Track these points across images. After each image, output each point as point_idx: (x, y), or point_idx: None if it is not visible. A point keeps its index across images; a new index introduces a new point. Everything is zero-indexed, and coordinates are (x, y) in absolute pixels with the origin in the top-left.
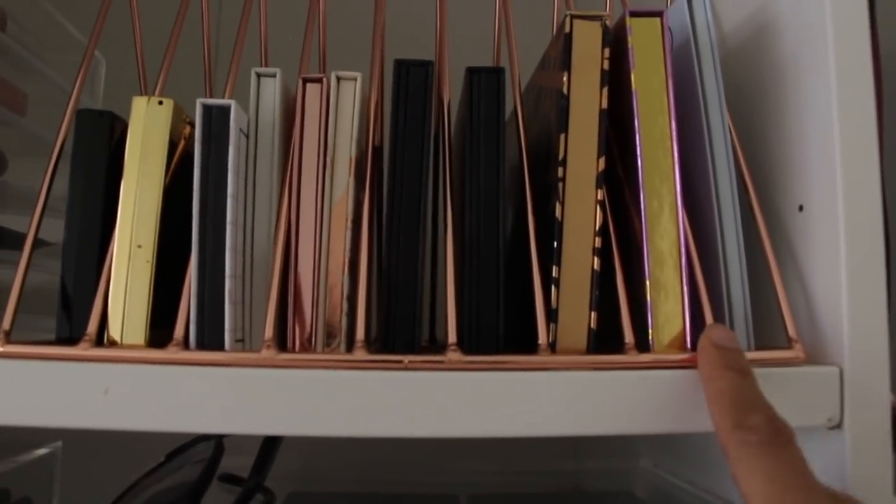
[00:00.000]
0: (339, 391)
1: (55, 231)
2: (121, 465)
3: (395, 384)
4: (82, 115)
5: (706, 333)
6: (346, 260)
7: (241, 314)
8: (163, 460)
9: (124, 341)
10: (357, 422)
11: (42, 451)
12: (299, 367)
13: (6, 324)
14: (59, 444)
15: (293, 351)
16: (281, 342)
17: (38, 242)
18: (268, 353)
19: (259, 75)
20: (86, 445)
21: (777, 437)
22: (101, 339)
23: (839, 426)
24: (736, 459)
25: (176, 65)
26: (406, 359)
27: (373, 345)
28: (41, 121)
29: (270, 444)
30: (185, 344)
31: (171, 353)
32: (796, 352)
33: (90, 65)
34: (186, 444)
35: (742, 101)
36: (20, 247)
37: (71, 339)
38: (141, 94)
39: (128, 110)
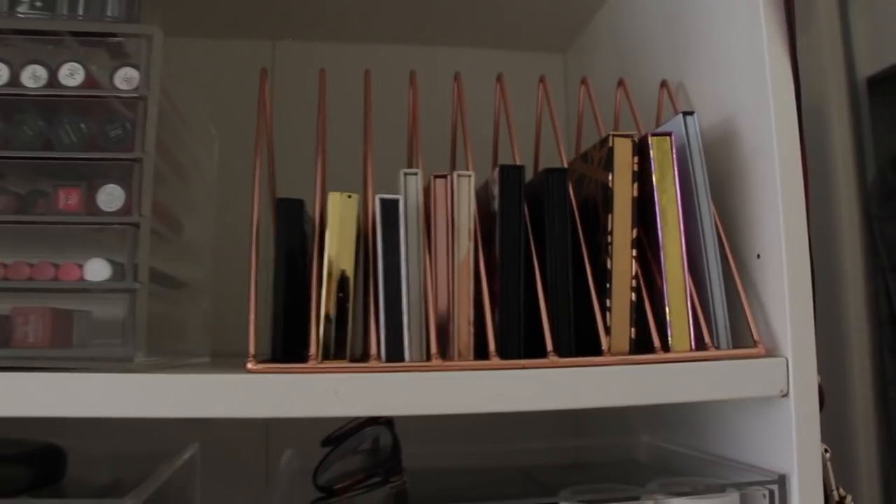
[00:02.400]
0: (482, 384)
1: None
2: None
3: (518, 378)
4: (282, 203)
5: None
6: (471, 298)
7: (408, 336)
8: (331, 445)
9: (333, 359)
10: (492, 401)
11: (188, 454)
12: (456, 370)
13: (252, 349)
14: (197, 445)
15: (443, 359)
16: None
17: (181, 284)
18: (436, 362)
19: (405, 174)
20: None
21: None
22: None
23: (787, 395)
24: None
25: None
26: (524, 362)
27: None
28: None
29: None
30: (378, 357)
31: (373, 364)
32: (759, 349)
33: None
34: (360, 424)
35: (717, 180)
36: (168, 286)
37: (285, 358)
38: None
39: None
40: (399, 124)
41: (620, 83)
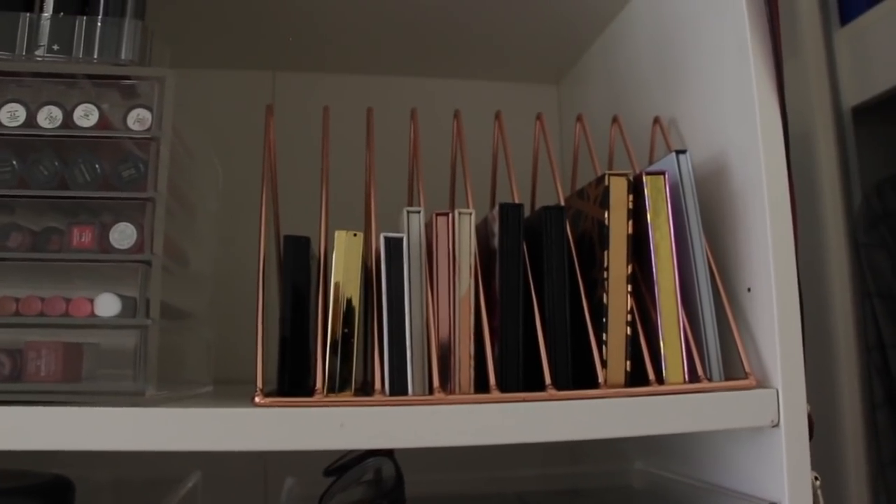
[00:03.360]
0: (483, 417)
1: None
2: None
3: (517, 412)
4: (289, 241)
5: None
6: (472, 333)
7: (412, 370)
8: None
9: (326, 391)
10: (495, 434)
11: (191, 482)
12: (458, 403)
13: (259, 382)
14: (200, 474)
15: (446, 392)
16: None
17: (185, 314)
18: (439, 395)
19: (409, 212)
20: (219, 474)
21: None
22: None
23: (777, 425)
24: None
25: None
26: (524, 395)
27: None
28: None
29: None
30: (383, 390)
31: (379, 398)
32: (750, 381)
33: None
34: (360, 456)
35: (709, 215)
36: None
37: (291, 391)
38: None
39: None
40: (396, 154)
41: (615, 120)
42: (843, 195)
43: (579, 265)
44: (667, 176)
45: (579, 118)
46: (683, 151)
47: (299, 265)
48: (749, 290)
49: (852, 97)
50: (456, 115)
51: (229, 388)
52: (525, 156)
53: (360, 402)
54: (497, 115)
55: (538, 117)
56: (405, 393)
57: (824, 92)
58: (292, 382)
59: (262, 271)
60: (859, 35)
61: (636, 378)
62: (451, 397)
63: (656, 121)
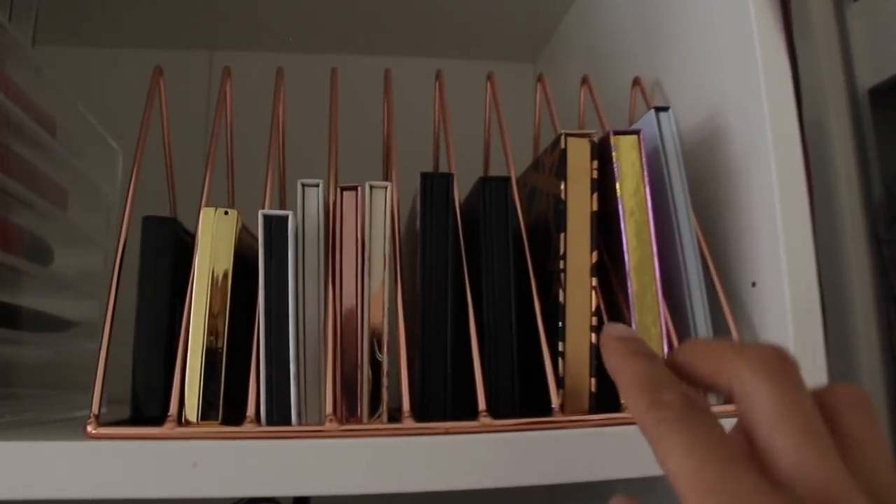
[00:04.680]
0: (393, 453)
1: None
2: None
3: (438, 447)
4: (149, 222)
5: (605, 331)
6: (386, 341)
7: (299, 392)
8: None
9: (199, 420)
10: (409, 479)
11: None
12: (358, 437)
13: (94, 408)
14: None
15: (343, 422)
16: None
17: (66, 323)
18: (331, 426)
19: (304, 185)
20: None
21: (692, 411)
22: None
23: None
24: (656, 440)
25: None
26: (446, 425)
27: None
28: (72, 211)
29: (302, 501)
30: (258, 419)
31: (248, 428)
32: None
33: (139, 171)
34: None
35: (700, 192)
36: (50, 329)
37: (145, 418)
38: (168, 191)
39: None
40: (364, 140)
41: (584, 81)
42: (861, 186)
43: (532, 256)
44: (642, 136)
45: (540, 78)
46: (665, 108)
47: (161, 254)
48: (754, 284)
49: (868, 78)
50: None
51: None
52: (496, 136)
53: (219, 435)
54: (489, 77)
55: (488, 77)
56: (287, 423)
57: (837, 73)
58: (150, 406)
59: (119, 263)
60: (875, 9)
61: (604, 402)
62: (346, 429)
63: (636, 82)
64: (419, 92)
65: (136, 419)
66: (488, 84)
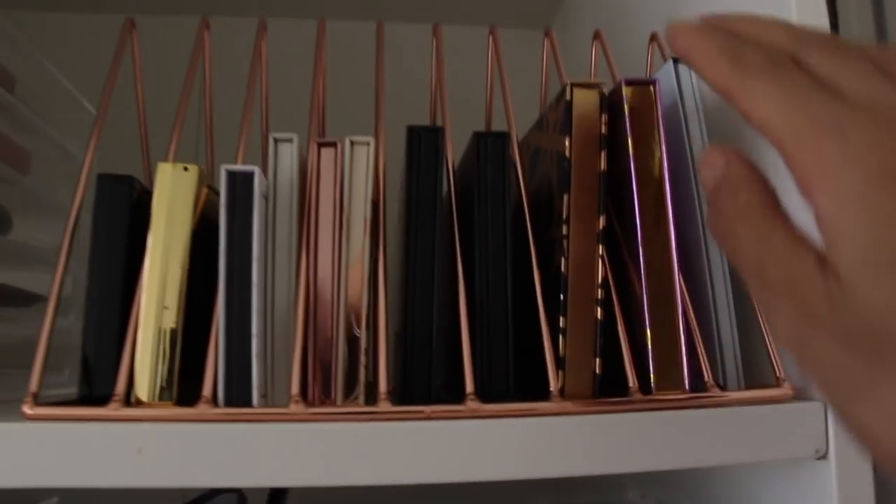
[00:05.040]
0: (366, 441)
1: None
2: None
3: (417, 433)
4: (103, 180)
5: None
6: (364, 315)
7: (264, 370)
8: None
9: (152, 400)
10: (382, 470)
11: None
12: (327, 421)
13: (33, 386)
14: (55, 500)
15: (315, 404)
16: (301, 396)
17: (34, 297)
18: (296, 408)
19: (276, 140)
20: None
21: (779, 59)
22: (127, 399)
23: (825, 457)
24: (742, 99)
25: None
26: (428, 409)
27: (392, 395)
28: (43, 179)
29: (278, 494)
30: (214, 401)
31: (203, 410)
32: (784, 389)
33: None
34: (203, 497)
35: None
36: (15, 303)
37: (94, 398)
38: (141, 154)
39: (122, 167)
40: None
41: (596, 37)
42: None
43: (533, 223)
44: (658, 87)
45: (547, 33)
46: None
47: (115, 216)
48: None
49: None
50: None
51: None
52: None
53: (168, 417)
54: (491, 30)
55: (491, 31)
56: (248, 404)
57: (868, 24)
58: (99, 386)
59: (71, 227)
60: None
61: (609, 386)
62: (313, 412)
63: (653, 38)
64: (425, 58)
65: (85, 399)
66: (490, 38)
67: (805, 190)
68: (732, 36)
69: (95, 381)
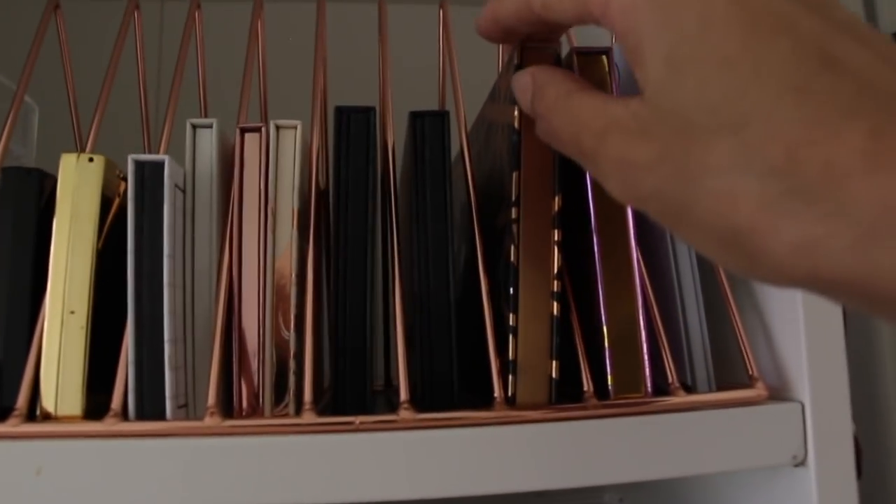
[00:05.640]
0: (288, 457)
1: None
2: None
3: (345, 447)
4: (8, 173)
5: None
6: (293, 316)
7: (183, 379)
8: None
9: (59, 413)
10: (307, 488)
11: None
12: (246, 434)
13: None
14: None
15: (240, 415)
16: (227, 405)
17: None
18: (212, 421)
19: (195, 126)
20: None
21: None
22: (33, 412)
23: (803, 463)
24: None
25: (114, 117)
26: (357, 420)
27: (324, 401)
28: None
29: None
30: (125, 414)
31: (109, 425)
32: (758, 390)
33: (18, 114)
34: None
35: None
36: None
37: (2, 410)
38: (76, 147)
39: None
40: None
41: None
42: None
43: (483, 210)
44: (612, 55)
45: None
46: None
47: (21, 212)
48: None
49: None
50: (441, 4)
51: None
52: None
53: (72, 434)
54: (441, 5)
55: (441, 4)
56: (161, 416)
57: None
58: (8, 397)
59: None
60: None
61: (565, 391)
62: (230, 426)
63: None
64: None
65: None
66: (440, 11)
67: (600, 14)
68: None
69: (3, 393)
